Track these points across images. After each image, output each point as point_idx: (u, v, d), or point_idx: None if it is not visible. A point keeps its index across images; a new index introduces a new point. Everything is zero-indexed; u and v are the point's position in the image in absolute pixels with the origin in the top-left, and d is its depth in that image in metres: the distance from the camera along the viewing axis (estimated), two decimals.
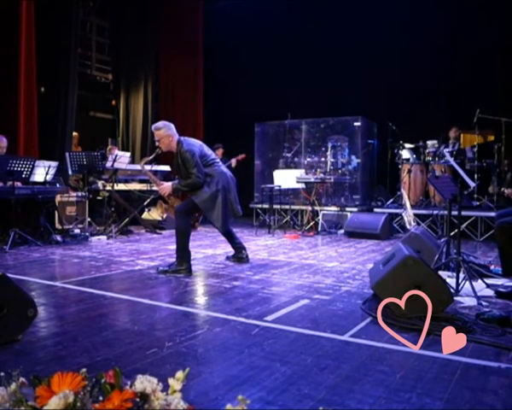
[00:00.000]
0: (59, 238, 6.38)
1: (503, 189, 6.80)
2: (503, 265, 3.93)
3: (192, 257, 5.17)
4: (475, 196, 7.50)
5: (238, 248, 5.15)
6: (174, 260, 4.61)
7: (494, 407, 1.88)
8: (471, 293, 3.48)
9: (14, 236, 5.77)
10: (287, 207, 8.91)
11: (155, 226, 7.96)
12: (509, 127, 7.31)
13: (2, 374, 1.34)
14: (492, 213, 6.60)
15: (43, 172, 6.50)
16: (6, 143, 6.46)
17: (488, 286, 3.75)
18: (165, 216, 8.14)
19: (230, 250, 6.01)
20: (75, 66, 8.64)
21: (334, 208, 8.41)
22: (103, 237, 6.90)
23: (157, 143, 4.67)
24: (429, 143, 8.10)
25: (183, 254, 4.54)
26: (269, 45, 9.71)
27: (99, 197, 7.71)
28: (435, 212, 7.45)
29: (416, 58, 8.48)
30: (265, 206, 8.94)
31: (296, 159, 9.64)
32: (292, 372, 2.18)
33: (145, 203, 7.99)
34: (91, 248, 6.10)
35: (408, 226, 6.34)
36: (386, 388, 2.02)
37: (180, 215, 4.54)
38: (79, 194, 7.35)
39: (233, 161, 9.51)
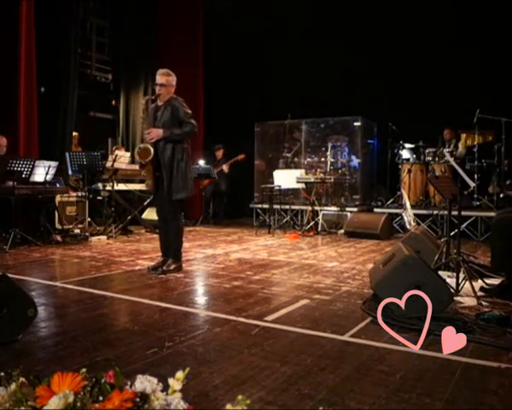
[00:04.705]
0: (59, 238, 6.38)
1: (505, 193, 6.80)
2: (492, 260, 3.90)
3: (192, 257, 5.18)
4: (475, 196, 7.50)
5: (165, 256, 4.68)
6: (162, 258, 4.64)
7: (494, 407, 1.88)
8: (471, 293, 3.48)
9: (14, 236, 5.77)
10: (287, 207, 8.91)
11: (155, 226, 7.96)
12: (509, 127, 7.31)
13: (3, 374, 1.34)
14: (492, 213, 6.60)
15: (43, 172, 6.49)
16: (6, 142, 6.47)
17: (485, 288, 3.74)
18: None
19: (230, 250, 6.01)
20: (75, 66, 8.64)
21: (334, 208, 8.41)
22: (103, 237, 6.90)
23: (158, 88, 4.48)
24: (430, 149, 8.12)
25: (180, 252, 4.63)
26: (269, 45, 9.71)
27: (99, 197, 7.70)
28: (435, 212, 7.45)
29: (416, 58, 8.47)
30: (265, 206, 8.93)
31: (296, 159, 9.64)
32: (292, 372, 2.18)
33: (145, 203, 8.00)
34: (91, 248, 6.10)
35: (408, 226, 6.33)
36: (386, 388, 2.02)
37: (173, 217, 4.52)
38: (79, 194, 7.35)
39: (224, 167, 9.47)
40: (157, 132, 4.39)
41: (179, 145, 4.46)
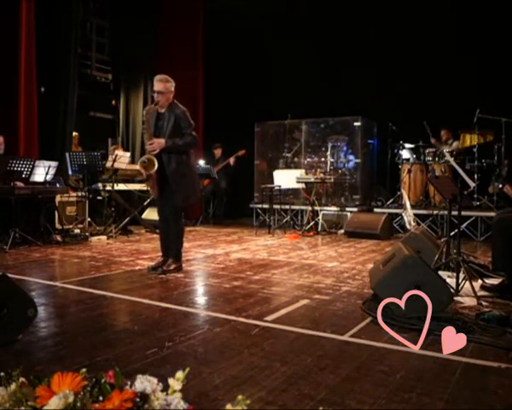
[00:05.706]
0: (59, 238, 6.38)
1: (497, 184, 6.80)
2: (493, 259, 3.90)
3: (192, 257, 5.17)
4: (475, 196, 7.50)
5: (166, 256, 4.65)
6: (162, 258, 4.63)
7: (494, 407, 1.88)
8: (471, 293, 3.48)
9: (14, 236, 5.77)
10: (287, 207, 8.91)
11: (155, 226, 7.96)
12: (509, 127, 7.31)
13: (3, 374, 1.34)
14: (492, 213, 6.60)
15: (43, 172, 6.50)
16: (2, 140, 6.47)
17: (485, 288, 3.74)
18: None
19: (230, 250, 6.01)
20: (75, 66, 8.63)
21: (334, 208, 8.41)
22: (103, 237, 6.90)
23: (156, 95, 4.36)
24: (429, 149, 8.13)
25: (180, 252, 4.63)
26: (269, 45, 9.70)
27: (99, 197, 7.70)
28: (435, 212, 7.45)
29: (416, 58, 8.46)
30: (265, 206, 8.93)
31: (296, 159, 9.64)
32: (292, 372, 2.18)
33: (145, 203, 8.00)
34: (91, 248, 6.10)
35: (408, 226, 6.33)
36: (386, 388, 2.02)
37: (175, 218, 4.53)
38: (79, 194, 7.34)
39: (231, 160, 9.49)
40: (159, 143, 4.34)
41: (184, 155, 4.45)
